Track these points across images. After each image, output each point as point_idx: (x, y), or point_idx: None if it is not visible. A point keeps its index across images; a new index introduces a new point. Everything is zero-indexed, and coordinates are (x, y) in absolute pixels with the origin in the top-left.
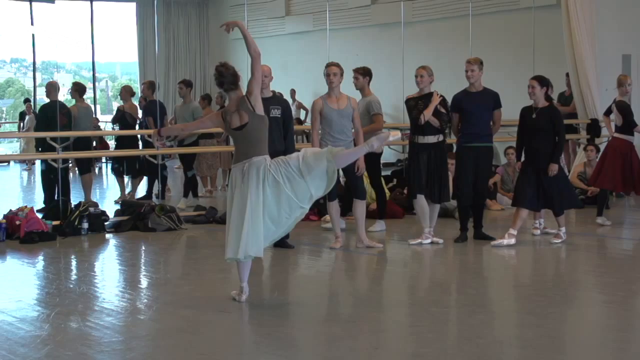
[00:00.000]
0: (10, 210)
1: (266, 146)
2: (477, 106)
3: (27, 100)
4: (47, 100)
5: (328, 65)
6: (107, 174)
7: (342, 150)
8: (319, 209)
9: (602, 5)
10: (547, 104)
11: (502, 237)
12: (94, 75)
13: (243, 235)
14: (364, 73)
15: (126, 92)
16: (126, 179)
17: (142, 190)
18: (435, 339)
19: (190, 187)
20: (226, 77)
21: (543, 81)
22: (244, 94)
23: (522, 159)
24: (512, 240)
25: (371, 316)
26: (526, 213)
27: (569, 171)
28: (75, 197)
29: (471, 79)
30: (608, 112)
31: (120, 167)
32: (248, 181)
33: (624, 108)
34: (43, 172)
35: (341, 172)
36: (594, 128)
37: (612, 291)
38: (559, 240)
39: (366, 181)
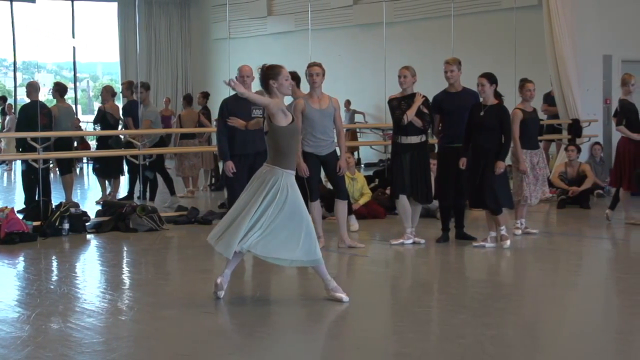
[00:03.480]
0: None
1: (285, 159)
2: (457, 106)
3: (4, 99)
4: (28, 101)
5: (310, 66)
6: (88, 175)
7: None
8: None
9: (583, 6)
10: (497, 102)
11: (485, 239)
12: (75, 75)
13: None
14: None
15: (107, 92)
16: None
17: (123, 190)
18: (417, 338)
19: (151, 188)
20: (261, 80)
21: (492, 78)
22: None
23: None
24: (494, 243)
25: (353, 316)
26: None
27: (550, 171)
28: (56, 198)
29: (450, 79)
30: (615, 114)
31: (102, 168)
32: (262, 185)
33: (622, 106)
34: (24, 173)
35: (323, 173)
36: (575, 128)
37: (594, 291)
38: (507, 241)
39: (348, 181)
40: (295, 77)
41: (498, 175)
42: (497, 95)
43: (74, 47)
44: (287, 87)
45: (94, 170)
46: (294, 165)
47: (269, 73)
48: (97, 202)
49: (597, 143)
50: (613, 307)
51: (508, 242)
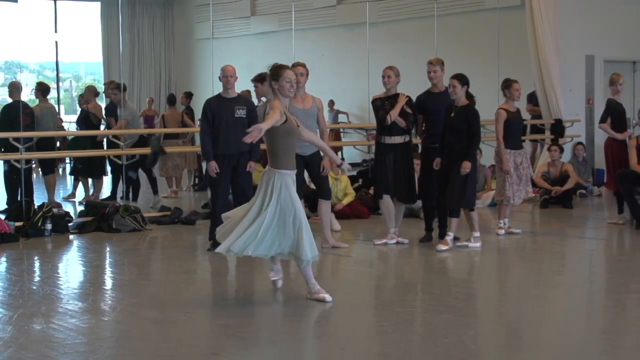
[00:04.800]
0: None
1: (277, 159)
2: (440, 106)
3: None
4: (10, 100)
5: (294, 66)
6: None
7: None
8: None
9: (565, 6)
10: (467, 102)
11: (467, 238)
12: (57, 75)
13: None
14: (261, 79)
15: (90, 92)
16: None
17: (106, 191)
18: (400, 338)
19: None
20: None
21: (463, 80)
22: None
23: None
24: (478, 243)
25: (337, 316)
26: (474, 212)
27: (534, 171)
28: (39, 198)
29: (434, 79)
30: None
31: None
32: (260, 187)
33: (608, 105)
34: (5, 173)
35: (306, 172)
36: (557, 128)
37: (577, 290)
38: (446, 247)
39: (331, 181)
40: (264, 78)
41: (465, 177)
42: (469, 97)
43: (56, 42)
44: (288, 89)
45: (72, 170)
46: (290, 165)
47: (272, 73)
48: (80, 203)
49: (580, 143)
50: (596, 306)
51: (444, 247)
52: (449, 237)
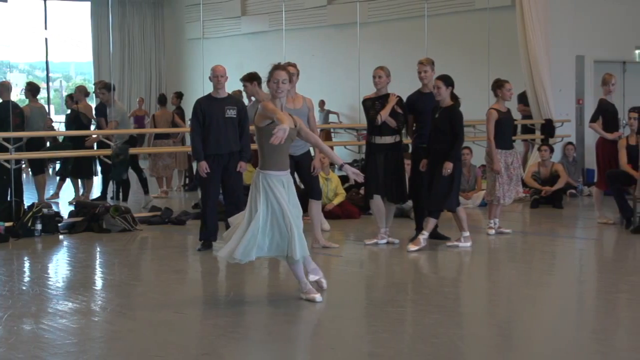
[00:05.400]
0: None
1: (262, 160)
2: (430, 107)
3: None
4: (0, 101)
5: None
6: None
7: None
8: None
9: (555, 7)
10: (451, 103)
11: (458, 238)
12: (47, 75)
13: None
14: (250, 79)
15: (80, 92)
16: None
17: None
18: (390, 338)
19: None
20: None
21: (448, 81)
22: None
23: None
24: (468, 243)
25: (327, 316)
26: (463, 211)
27: (524, 171)
28: (29, 198)
29: (424, 79)
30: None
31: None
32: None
33: (599, 105)
34: None
35: (296, 173)
36: (547, 128)
37: (568, 290)
38: (416, 248)
39: (322, 181)
40: (254, 77)
41: (449, 178)
42: (454, 98)
43: (46, 40)
44: (275, 90)
45: (58, 171)
46: (276, 166)
47: (269, 72)
48: (70, 203)
49: (570, 143)
50: (586, 306)
51: (414, 248)
52: (423, 236)
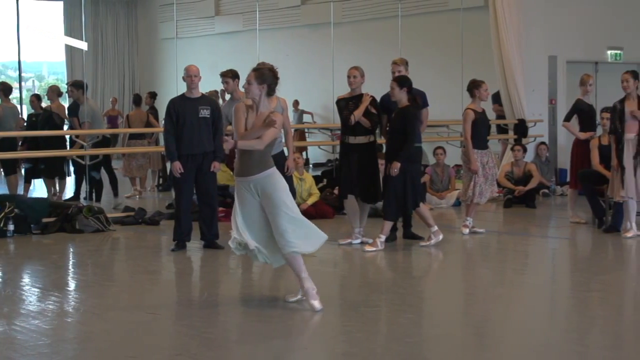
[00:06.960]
0: None
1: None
2: None
3: None
4: None
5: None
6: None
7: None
8: None
9: (528, 7)
10: (407, 104)
11: (429, 236)
12: (20, 74)
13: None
14: (232, 76)
15: (53, 92)
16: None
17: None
18: (364, 338)
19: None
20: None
21: (401, 82)
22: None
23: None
24: (440, 237)
25: (301, 316)
26: (424, 208)
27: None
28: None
29: None
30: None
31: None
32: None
33: (575, 105)
34: None
35: None
36: (520, 128)
37: (541, 289)
38: (373, 249)
39: (296, 181)
40: (236, 75)
41: (402, 180)
42: (412, 99)
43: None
44: (247, 91)
45: (27, 171)
46: (241, 170)
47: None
48: None
49: (543, 143)
50: (560, 305)
51: (370, 249)
52: (380, 239)
